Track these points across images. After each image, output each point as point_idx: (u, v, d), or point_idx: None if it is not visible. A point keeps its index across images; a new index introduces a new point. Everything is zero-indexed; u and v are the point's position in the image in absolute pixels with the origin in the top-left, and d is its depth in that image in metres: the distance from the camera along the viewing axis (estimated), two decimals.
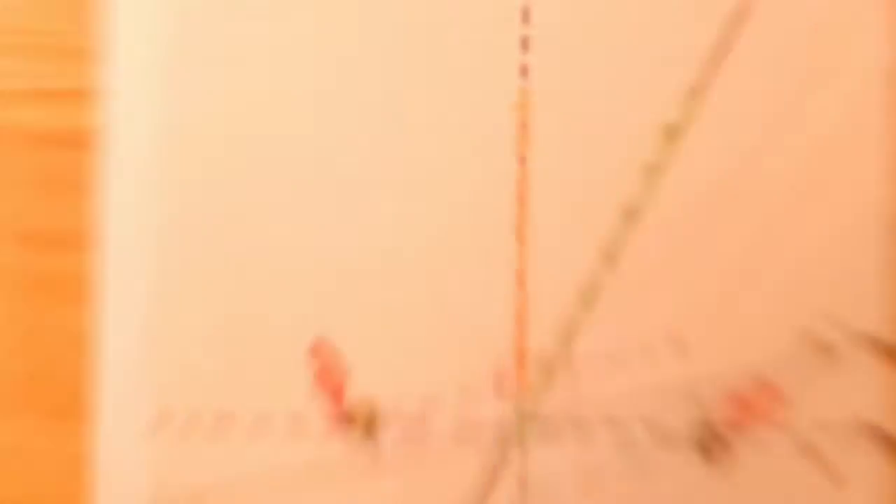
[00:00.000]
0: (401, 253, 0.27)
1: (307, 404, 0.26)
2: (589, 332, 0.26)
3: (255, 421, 0.27)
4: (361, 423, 0.26)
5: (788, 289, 0.26)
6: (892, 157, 0.26)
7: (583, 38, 0.27)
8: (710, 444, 0.26)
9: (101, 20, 0.27)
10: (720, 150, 0.26)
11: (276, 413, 0.27)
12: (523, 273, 0.26)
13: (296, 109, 0.27)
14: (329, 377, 0.27)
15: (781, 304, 0.26)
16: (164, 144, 0.27)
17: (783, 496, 0.26)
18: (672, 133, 0.26)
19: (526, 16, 0.26)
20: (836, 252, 0.26)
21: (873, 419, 0.25)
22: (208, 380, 0.27)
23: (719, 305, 0.26)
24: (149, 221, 0.27)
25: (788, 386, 0.26)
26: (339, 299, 0.27)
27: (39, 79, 0.27)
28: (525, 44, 0.26)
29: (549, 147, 0.26)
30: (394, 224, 0.27)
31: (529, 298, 0.26)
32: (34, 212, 0.27)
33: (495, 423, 0.26)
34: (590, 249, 0.26)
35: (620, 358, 0.26)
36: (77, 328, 0.27)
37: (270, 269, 0.27)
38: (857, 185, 0.26)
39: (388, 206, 0.27)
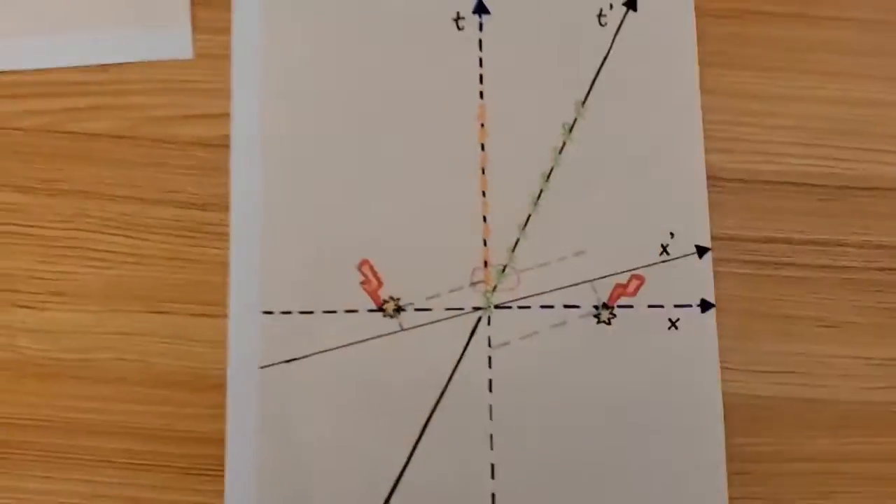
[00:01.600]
0: (414, 205, 0.42)
1: (356, 301, 0.42)
2: (526, 250, 0.42)
3: (323, 313, 0.42)
4: (389, 312, 0.42)
5: (649, 218, 0.42)
6: (701, 139, 0.43)
7: (519, 71, 0.43)
8: (601, 313, 0.42)
9: (227, 73, 0.44)
10: (599, 136, 0.42)
11: (337, 308, 0.42)
12: (485, 217, 0.42)
13: (353, 118, 0.42)
14: (369, 285, 0.43)
15: (645, 227, 0.42)
16: (265, 150, 0.42)
17: (642, 339, 0.41)
18: (568, 129, 0.43)
19: (481, 62, 0.43)
20: (676, 195, 0.42)
21: (696, 292, 0.41)
22: (294, 288, 0.41)
23: (607, 228, 0.42)
24: (258, 192, 0.42)
25: (649, 276, 0.42)
26: (376, 234, 0.42)
27: (192, 108, 0.43)
28: (481, 79, 0.43)
29: (497, 145, 0.43)
30: (412, 186, 0.42)
31: (489, 232, 0.42)
32: (186, 187, 0.42)
33: (471, 307, 0.42)
34: (525, 199, 0.42)
35: (545, 265, 0.42)
36: (214, 257, 0.42)
37: (333, 218, 0.41)
38: (687, 156, 0.42)
39: (408, 177, 0.42)
